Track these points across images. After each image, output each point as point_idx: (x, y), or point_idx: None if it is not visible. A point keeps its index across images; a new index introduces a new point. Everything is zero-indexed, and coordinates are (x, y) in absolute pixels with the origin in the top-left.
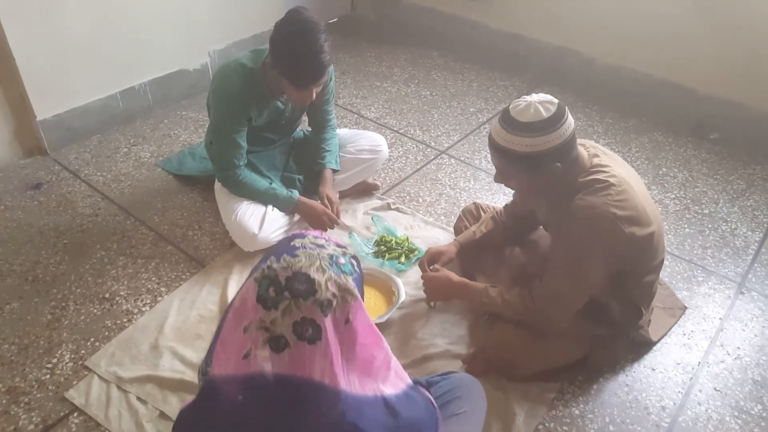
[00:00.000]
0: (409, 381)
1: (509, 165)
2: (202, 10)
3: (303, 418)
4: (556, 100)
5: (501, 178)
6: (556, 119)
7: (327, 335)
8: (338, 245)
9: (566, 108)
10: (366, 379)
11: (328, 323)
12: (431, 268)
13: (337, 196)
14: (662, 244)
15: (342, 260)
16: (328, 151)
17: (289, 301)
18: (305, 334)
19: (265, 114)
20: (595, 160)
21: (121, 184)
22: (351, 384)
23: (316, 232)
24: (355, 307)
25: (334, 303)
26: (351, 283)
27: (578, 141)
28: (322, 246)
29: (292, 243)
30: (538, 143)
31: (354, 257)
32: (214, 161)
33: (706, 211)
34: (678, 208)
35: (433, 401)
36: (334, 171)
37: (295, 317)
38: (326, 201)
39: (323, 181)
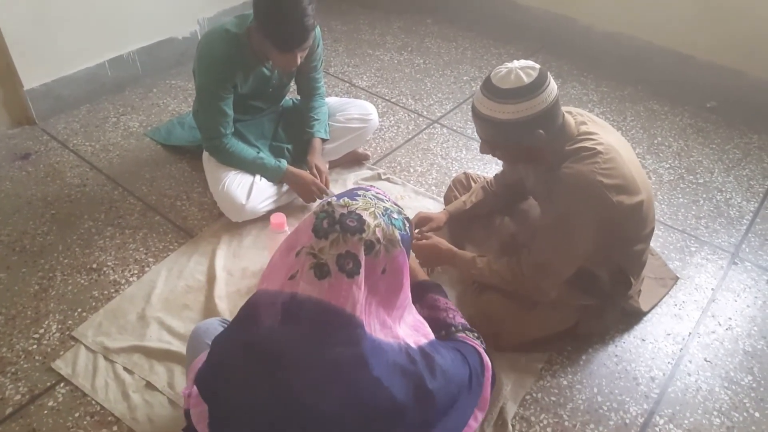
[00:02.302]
0: (432, 338)
1: (494, 134)
2: None
3: (330, 344)
4: (537, 66)
5: (487, 148)
6: (538, 84)
7: (363, 273)
8: (396, 204)
9: (548, 73)
10: (385, 329)
11: (367, 263)
12: (418, 232)
13: (327, 165)
14: (652, 213)
15: (395, 215)
16: (317, 119)
17: (338, 234)
18: (346, 267)
19: (250, 80)
20: (583, 128)
21: (109, 154)
22: (372, 327)
23: (380, 191)
24: (397, 260)
25: (377, 247)
26: (397, 235)
27: (566, 108)
28: (381, 199)
29: (356, 191)
30: (521, 109)
31: (407, 219)
32: (200, 129)
33: (701, 181)
34: (672, 178)
35: (479, 349)
36: (324, 140)
37: (341, 249)
38: (315, 170)
39: (312, 151)
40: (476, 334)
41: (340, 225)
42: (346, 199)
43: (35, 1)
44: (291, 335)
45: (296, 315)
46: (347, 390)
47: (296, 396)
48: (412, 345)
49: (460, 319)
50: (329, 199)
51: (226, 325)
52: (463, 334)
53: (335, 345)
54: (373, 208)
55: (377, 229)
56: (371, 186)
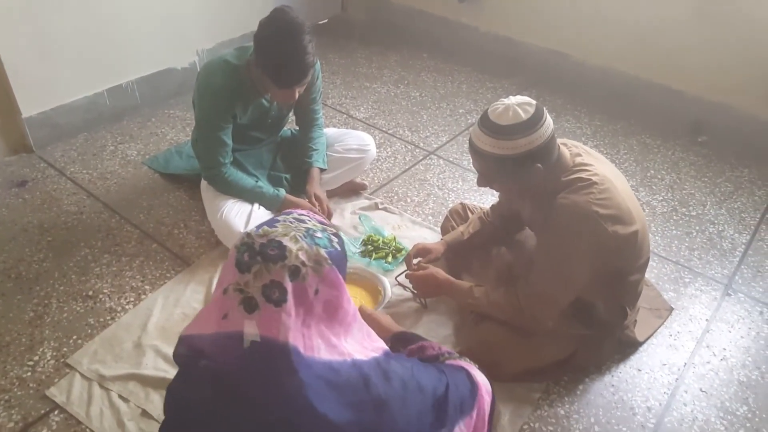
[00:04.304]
0: (386, 349)
1: (491, 168)
2: (190, 8)
3: (269, 375)
4: (533, 102)
5: (484, 181)
6: (535, 120)
7: (291, 299)
8: (321, 222)
9: (544, 109)
10: (330, 347)
11: (294, 288)
12: (415, 263)
13: (325, 194)
14: (647, 243)
15: (318, 234)
16: (316, 150)
17: (260, 265)
18: (272, 296)
19: (249, 111)
20: (578, 159)
21: (107, 182)
22: (316, 349)
23: (303, 211)
24: (329, 278)
25: (303, 270)
26: (323, 253)
27: (561, 140)
28: (302, 221)
29: (276, 217)
30: (519, 145)
31: (336, 234)
32: (199, 159)
33: (694, 213)
34: (665, 210)
35: (467, 367)
36: (322, 170)
37: (265, 280)
38: (314, 200)
39: (310, 180)
40: (466, 359)
41: (261, 255)
42: (265, 227)
43: (36, 31)
44: (233, 375)
45: (236, 354)
46: (288, 418)
47: None
48: (363, 358)
49: (446, 349)
50: (248, 231)
51: None
52: (451, 360)
53: (275, 376)
54: (293, 232)
55: (300, 252)
56: (294, 209)
